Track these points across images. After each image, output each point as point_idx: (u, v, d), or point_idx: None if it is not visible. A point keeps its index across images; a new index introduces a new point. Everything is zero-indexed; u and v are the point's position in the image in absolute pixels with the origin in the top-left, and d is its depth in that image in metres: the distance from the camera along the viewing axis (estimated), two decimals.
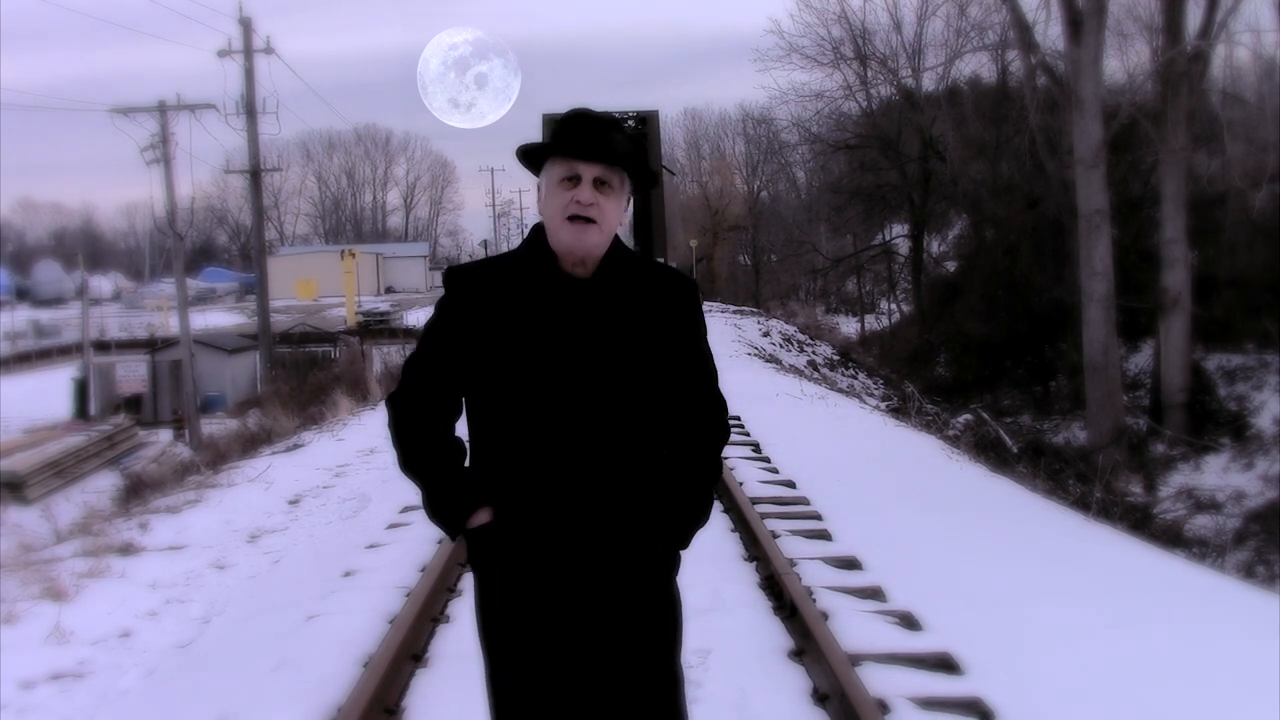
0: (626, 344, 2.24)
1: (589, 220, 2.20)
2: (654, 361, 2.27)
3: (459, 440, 2.33)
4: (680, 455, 2.31)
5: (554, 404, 2.21)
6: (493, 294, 2.26)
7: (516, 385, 2.22)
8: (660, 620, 2.33)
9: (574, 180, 2.21)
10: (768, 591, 5.24)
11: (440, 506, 2.29)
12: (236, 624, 5.54)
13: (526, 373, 2.21)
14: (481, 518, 2.27)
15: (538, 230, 2.32)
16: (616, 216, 2.26)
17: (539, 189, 2.32)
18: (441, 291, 2.34)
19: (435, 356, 2.30)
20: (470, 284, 2.29)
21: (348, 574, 5.86)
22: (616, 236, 2.32)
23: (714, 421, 2.37)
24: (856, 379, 24.25)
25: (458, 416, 2.34)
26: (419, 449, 2.30)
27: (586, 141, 2.21)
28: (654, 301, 2.29)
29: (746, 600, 5.12)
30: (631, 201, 2.35)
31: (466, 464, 2.32)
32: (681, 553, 2.39)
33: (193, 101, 24.92)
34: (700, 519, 2.34)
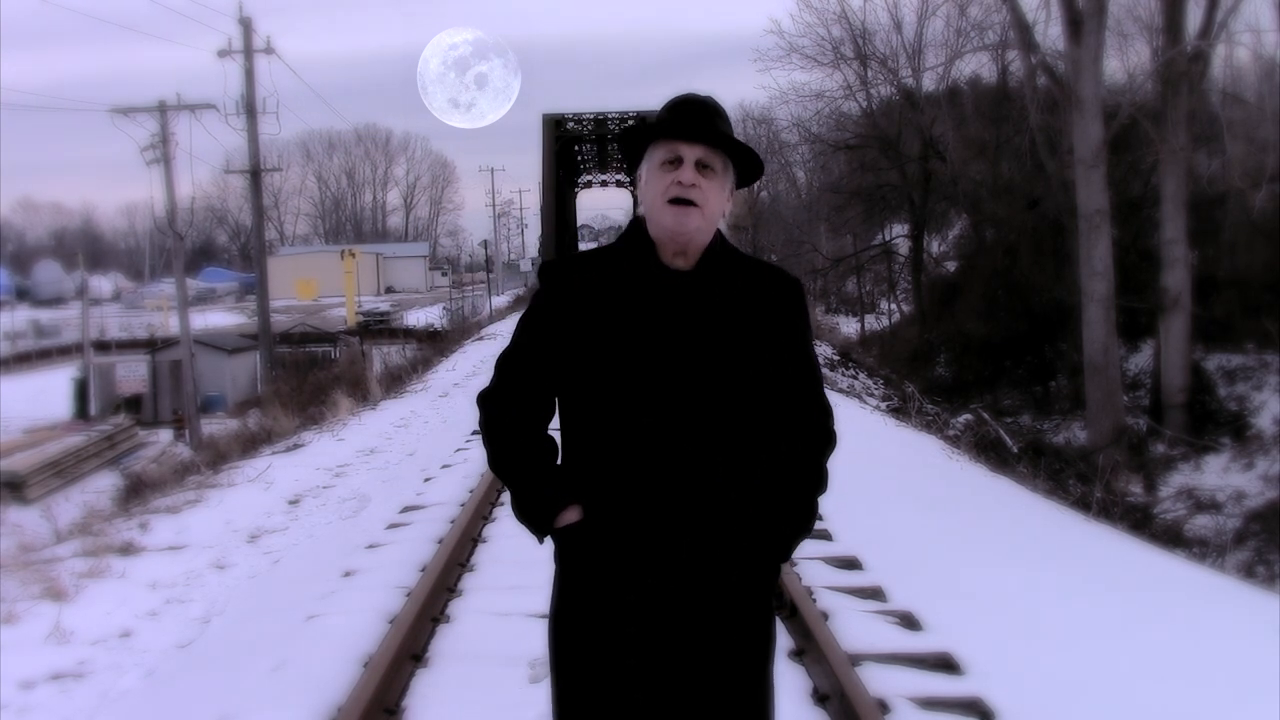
0: (728, 341, 2.14)
1: (691, 203, 2.11)
2: (757, 361, 2.16)
3: (550, 439, 2.23)
4: (785, 462, 2.20)
5: (650, 402, 2.11)
6: (588, 288, 2.17)
7: (610, 382, 2.13)
8: (756, 637, 2.20)
9: (676, 163, 2.14)
10: None
11: (527, 504, 2.20)
12: (236, 624, 5.54)
13: (621, 369, 2.12)
14: (570, 516, 2.17)
15: (636, 223, 2.24)
16: (719, 203, 2.17)
17: (639, 177, 2.22)
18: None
19: (528, 353, 2.22)
20: (565, 278, 2.21)
21: (348, 574, 5.86)
22: (719, 231, 2.23)
23: (820, 427, 2.25)
24: (857, 379, 24.25)
25: (550, 415, 2.25)
26: (508, 447, 2.22)
27: (689, 123, 2.14)
28: (758, 298, 2.19)
29: None
30: (731, 201, 2.23)
31: (559, 464, 2.23)
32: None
33: (193, 101, 24.92)
34: (804, 530, 2.22)
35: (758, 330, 2.17)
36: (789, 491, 2.19)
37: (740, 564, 2.16)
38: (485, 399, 2.25)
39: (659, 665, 2.15)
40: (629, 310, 2.14)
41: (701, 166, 2.13)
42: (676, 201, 2.12)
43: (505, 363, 2.25)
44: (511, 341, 2.26)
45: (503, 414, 2.22)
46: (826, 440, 2.27)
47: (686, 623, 2.14)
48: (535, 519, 2.20)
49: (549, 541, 2.25)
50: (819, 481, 2.24)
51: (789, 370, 2.21)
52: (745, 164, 2.22)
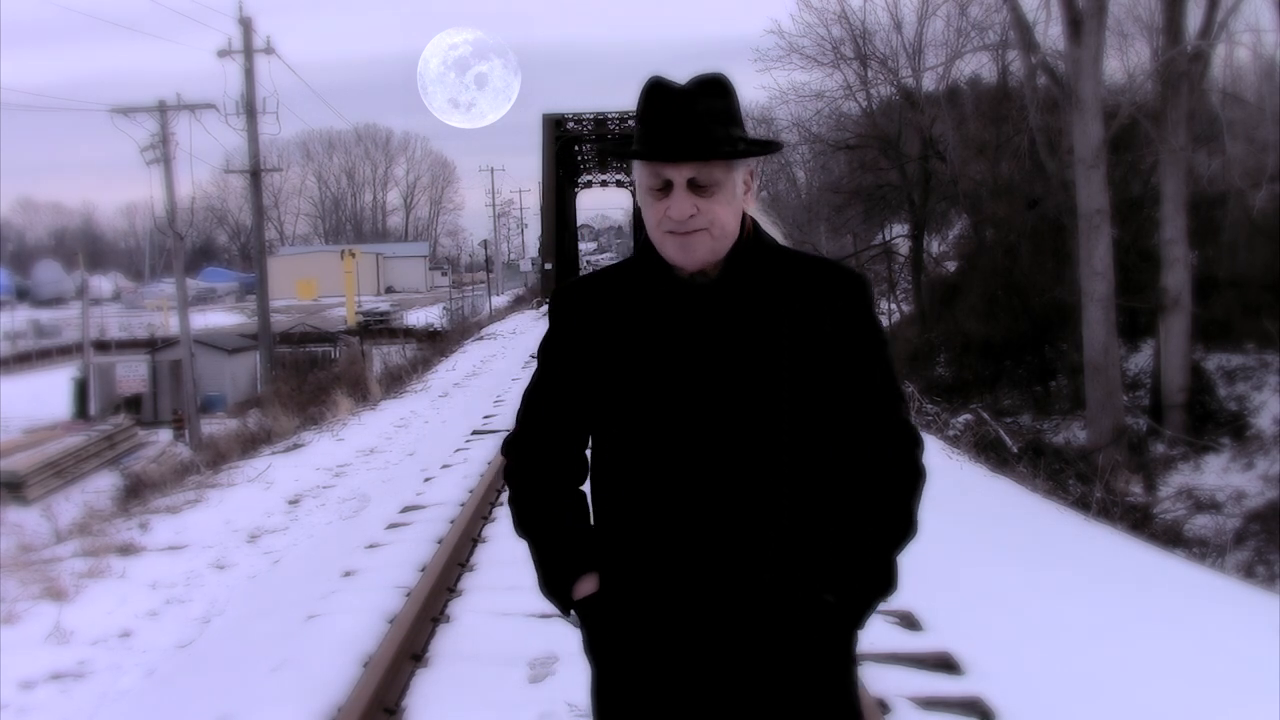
0: (760, 359, 1.75)
1: (693, 232, 1.74)
2: (803, 380, 1.75)
3: (578, 494, 1.91)
4: (857, 505, 1.77)
5: (662, 437, 1.76)
6: (598, 312, 1.85)
7: (626, 421, 1.80)
8: None
9: (665, 189, 1.74)
10: None
11: (542, 575, 1.88)
12: (236, 624, 5.54)
13: (637, 404, 1.78)
14: (586, 587, 1.83)
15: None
16: (732, 211, 1.76)
17: (635, 187, 1.86)
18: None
19: (548, 391, 1.91)
20: (573, 304, 1.89)
21: (348, 574, 5.86)
22: (755, 225, 1.86)
23: (902, 459, 1.80)
24: None
25: (581, 462, 1.91)
26: (527, 508, 1.91)
27: (667, 137, 1.71)
28: (803, 304, 1.77)
29: None
30: (754, 178, 1.84)
31: (585, 523, 1.91)
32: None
33: (193, 101, 24.91)
34: (883, 589, 1.78)
35: (803, 341, 1.76)
36: (865, 541, 1.77)
37: (803, 636, 1.76)
38: (509, 447, 1.95)
39: None
40: (643, 335, 1.80)
41: (698, 185, 1.72)
42: (676, 233, 1.75)
43: (528, 401, 1.95)
44: (534, 375, 1.97)
45: (523, 467, 1.92)
46: (914, 476, 1.82)
47: (739, 708, 1.78)
48: (554, 589, 1.88)
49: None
50: (905, 528, 1.80)
51: (854, 388, 1.78)
52: (753, 147, 1.82)
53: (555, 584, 1.87)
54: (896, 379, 1.87)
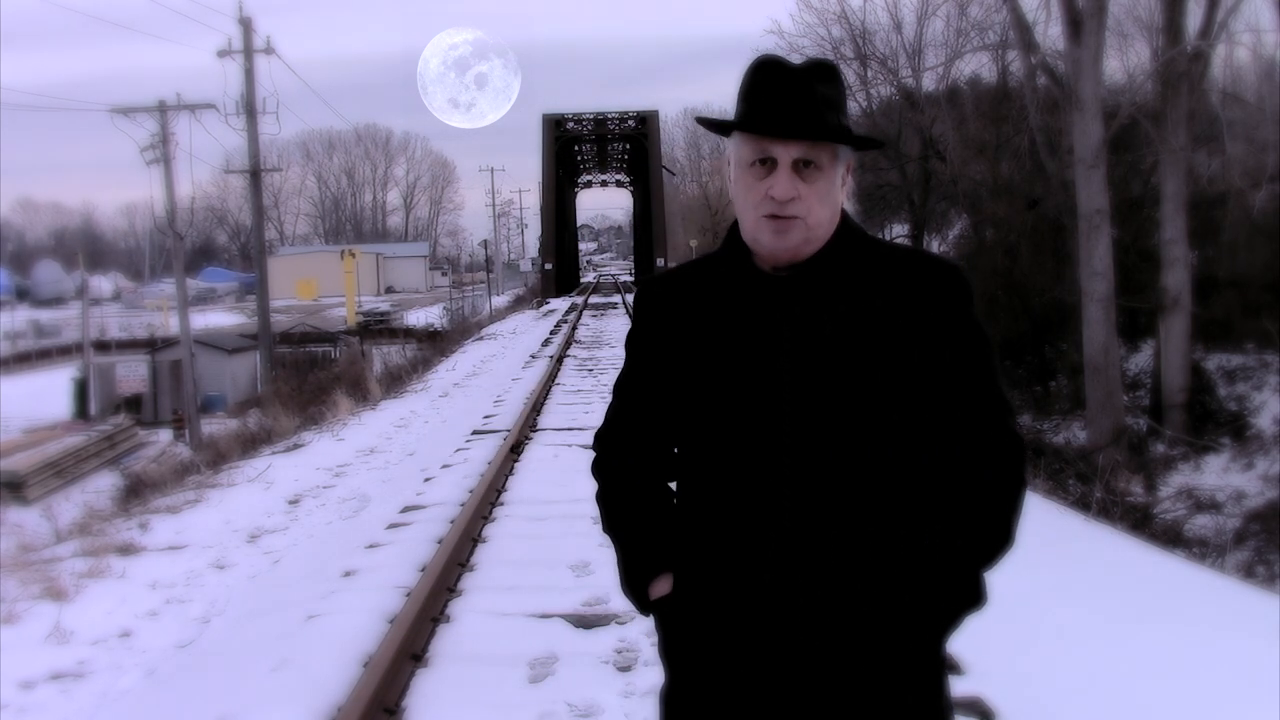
0: (843, 358, 1.67)
1: (792, 217, 1.68)
2: (893, 382, 1.67)
3: (664, 490, 1.87)
4: (953, 514, 1.69)
5: (740, 438, 1.70)
6: (681, 305, 1.80)
7: (698, 414, 1.76)
8: None
9: (768, 164, 1.67)
10: None
11: (626, 572, 1.85)
12: (236, 624, 5.54)
13: (715, 399, 1.73)
14: (661, 588, 1.79)
15: (734, 226, 1.80)
16: (831, 202, 1.71)
17: (728, 164, 1.79)
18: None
19: (635, 383, 1.88)
20: (657, 297, 1.85)
21: (348, 574, 5.86)
22: (845, 215, 1.78)
23: (1004, 469, 1.70)
24: None
25: (668, 461, 1.88)
26: (612, 503, 1.89)
27: (781, 112, 1.65)
28: (895, 300, 1.69)
29: None
30: (850, 174, 1.78)
31: (668, 520, 1.86)
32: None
33: (193, 101, 24.95)
34: (972, 603, 1.71)
35: (893, 339, 1.68)
36: (959, 552, 1.69)
37: (883, 648, 1.68)
38: (599, 441, 1.94)
39: None
40: (722, 328, 1.74)
41: (802, 164, 1.66)
42: (773, 216, 1.68)
43: (617, 393, 1.93)
44: (622, 367, 1.95)
45: (610, 460, 1.91)
46: (1015, 485, 1.72)
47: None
48: (632, 590, 1.84)
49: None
50: (1001, 542, 1.71)
51: (951, 391, 1.69)
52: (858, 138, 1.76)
53: (634, 582, 1.84)
54: (998, 383, 1.75)
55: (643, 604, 1.83)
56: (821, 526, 1.67)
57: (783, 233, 1.68)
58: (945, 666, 1.75)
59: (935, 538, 1.68)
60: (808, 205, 1.67)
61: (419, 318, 48.16)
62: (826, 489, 1.67)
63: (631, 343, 1.89)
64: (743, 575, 1.70)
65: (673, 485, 1.89)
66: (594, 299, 43.39)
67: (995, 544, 1.71)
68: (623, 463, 1.89)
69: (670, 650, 1.80)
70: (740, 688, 1.71)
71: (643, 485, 1.87)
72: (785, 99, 1.65)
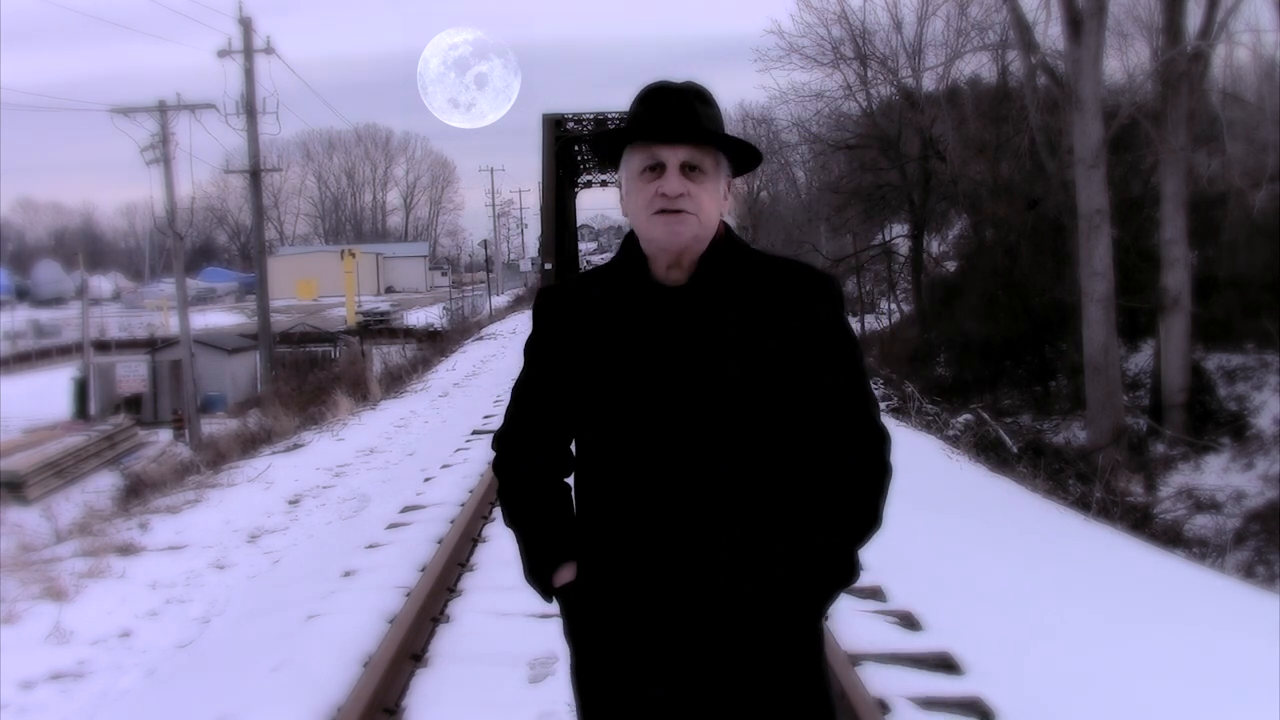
0: (729, 360, 1.84)
1: (682, 211, 1.84)
2: (773, 381, 1.84)
3: (563, 486, 2.02)
4: (825, 499, 1.86)
5: (638, 436, 1.86)
6: (579, 313, 1.95)
7: (602, 418, 1.91)
8: (803, 708, 1.88)
9: (657, 169, 1.85)
10: None
11: (530, 562, 1.99)
12: (236, 624, 5.54)
13: (612, 403, 1.88)
14: (565, 575, 1.94)
15: (629, 237, 1.97)
16: (716, 205, 1.88)
17: (620, 185, 1.96)
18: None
19: (534, 387, 2.01)
20: (556, 305, 1.99)
21: (348, 574, 5.86)
22: (727, 228, 1.96)
23: (868, 456, 1.89)
24: None
25: (566, 459, 2.02)
26: (513, 499, 2.02)
27: (667, 120, 1.84)
28: (773, 305, 1.87)
29: None
30: (730, 190, 1.96)
31: (569, 514, 2.01)
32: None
33: (193, 101, 24.93)
34: (842, 580, 1.89)
35: (772, 341, 1.85)
36: (828, 534, 1.86)
37: (764, 622, 1.85)
38: (498, 441, 2.07)
39: None
40: (619, 336, 1.90)
41: (689, 168, 1.85)
42: (665, 212, 1.85)
43: (515, 398, 2.06)
44: (520, 373, 2.07)
45: (510, 460, 2.03)
46: (880, 472, 1.89)
47: (712, 694, 1.88)
48: (536, 579, 1.99)
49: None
50: (869, 523, 1.90)
51: (822, 387, 1.87)
52: (740, 152, 1.95)
53: (537, 571, 1.97)
54: (866, 379, 1.94)
55: (546, 591, 1.97)
56: (713, 516, 1.84)
57: (676, 227, 1.85)
58: (823, 638, 1.95)
59: (811, 521, 1.86)
60: (697, 202, 1.85)
61: (419, 318, 48.16)
62: (716, 481, 1.84)
63: (531, 349, 2.02)
64: (642, 560, 1.87)
65: (569, 481, 2.03)
66: None
67: (863, 525, 1.90)
68: (523, 462, 2.02)
69: (575, 632, 1.96)
70: (642, 661, 1.89)
71: (543, 483, 2.00)
72: (671, 111, 1.86)
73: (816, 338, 1.88)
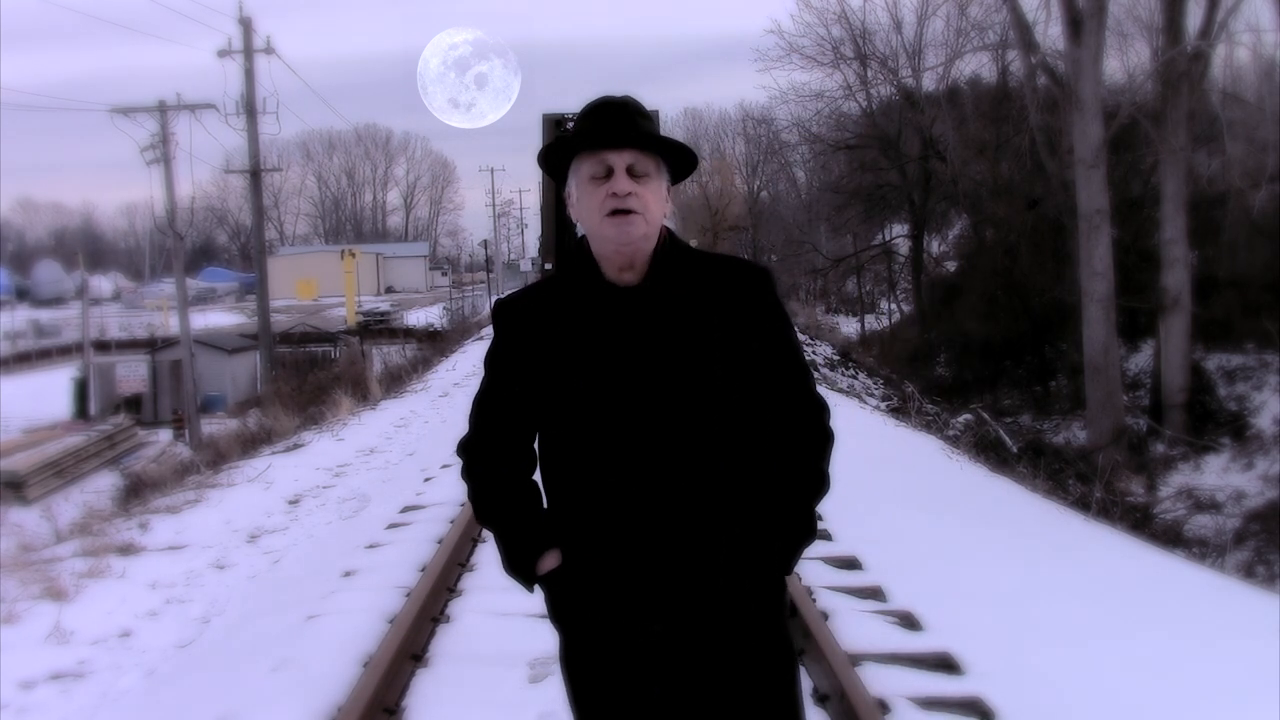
0: (688, 351, 2.02)
1: (631, 211, 2.00)
2: (725, 366, 2.03)
3: (532, 484, 2.15)
4: (778, 467, 2.06)
5: (612, 429, 2.01)
6: (535, 319, 2.09)
7: (570, 415, 2.04)
8: (774, 656, 2.08)
9: (606, 175, 2.02)
10: None
11: (507, 556, 2.11)
12: (236, 624, 5.54)
13: (578, 400, 2.03)
14: (549, 562, 2.07)
15: (580, 244, 2.11)
16: (659, 207, 2.05)
17: (569, 196, 2.12)
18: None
19: (496, 395, 2.13)
20: (513, 313, 2.12)
21: (348, 574, 5.86)
22: (670, 232, 2.12)
23: (813, 424, 2.09)
24: (856, 379, 24.25)
25: (532, 457, 2.15)
26: (487, 498, 2.14)
27: (612, 128, 2.02)
28: (717, 297, 2.06)
29: None
30: (671, 197, 2.13)
31: (542, 509, 2.14)
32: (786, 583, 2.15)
33: (193, 101, 24.91)
34: (804, 538, 2.08)
35: (721, 332, 2.03)
36: (785, 498, 2.05)
37: (740, 582, 2.03)
38: (464, 448, 2.17)
39: (681, 697, 2.05)
40: (579, 337, 2.04)
41: (634, 172, 2.02)
42: (616, 213, 2.00)
43: (478, 406, 2.17)
44: (481, 383, 2.18)
45: (479, 464, 2.14)
46: (823, 439, 2.10)
47: (697, 652, 2.03)
48: (520, 568, 2.10)
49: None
50: (818, 484, 2.09)
51: (767, 368, 2.07)
52: (678, 161, 2.11)
53: (519, 562, 2.10)
54: (801, 356, 2.14)
55: (530, 580, 2.09)
56: (684, 493, 2.00)
57: (626, 227, 2.00)
58: (786, 593, 2.14)
59: (768, 488, 2.05)
60: (644, 202, 2.01)
61: (419, 318, 48.14)
62: (680, 464, 2.00)
63: (491, 359, 2.14)
64: (619, 540, 2.02)
65: (537, 479, 2.16)
66: None
67: (814, 486, 2.09)
68: (493, 465, 2.14)
69: (562, 615, 2.09)
70: (629, 634, 2.03)
71: (515, 480, 2.13)
72: (615, 120, 2.04)
73: (758, 324, 2.06)
